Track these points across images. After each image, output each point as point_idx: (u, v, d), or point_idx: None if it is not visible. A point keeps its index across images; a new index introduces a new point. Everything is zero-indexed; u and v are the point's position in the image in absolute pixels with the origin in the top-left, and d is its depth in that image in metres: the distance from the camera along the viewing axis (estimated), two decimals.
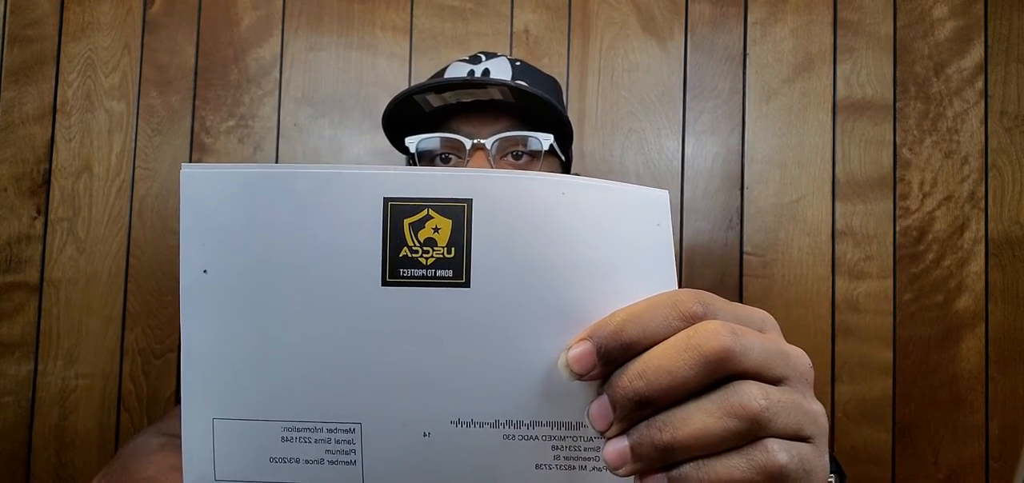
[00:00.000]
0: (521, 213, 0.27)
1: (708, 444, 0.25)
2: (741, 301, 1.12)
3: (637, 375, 0.25)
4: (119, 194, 1.13)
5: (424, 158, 0.69)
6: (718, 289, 1.13)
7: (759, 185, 1.14)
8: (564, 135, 0.69)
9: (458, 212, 0.26)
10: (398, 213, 0.26)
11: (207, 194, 0.27)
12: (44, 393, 1.11)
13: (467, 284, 0.27)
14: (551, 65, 1.15)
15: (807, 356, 0.28)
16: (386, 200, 0.26)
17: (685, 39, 1.16)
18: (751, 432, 0.25)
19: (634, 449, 0.25)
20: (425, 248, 0.27)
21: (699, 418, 0.24)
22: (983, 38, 1.14)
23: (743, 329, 0.26)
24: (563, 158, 0.73)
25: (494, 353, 0.27)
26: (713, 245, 1.14)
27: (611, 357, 0.26)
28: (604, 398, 0.26)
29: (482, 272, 0.27)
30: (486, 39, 1.15)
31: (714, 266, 1.14)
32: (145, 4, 1.15)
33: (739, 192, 1.14)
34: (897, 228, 1.13)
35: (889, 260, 1.13)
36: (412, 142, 0.66)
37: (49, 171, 1.13)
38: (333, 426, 0.28)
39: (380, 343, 0.27)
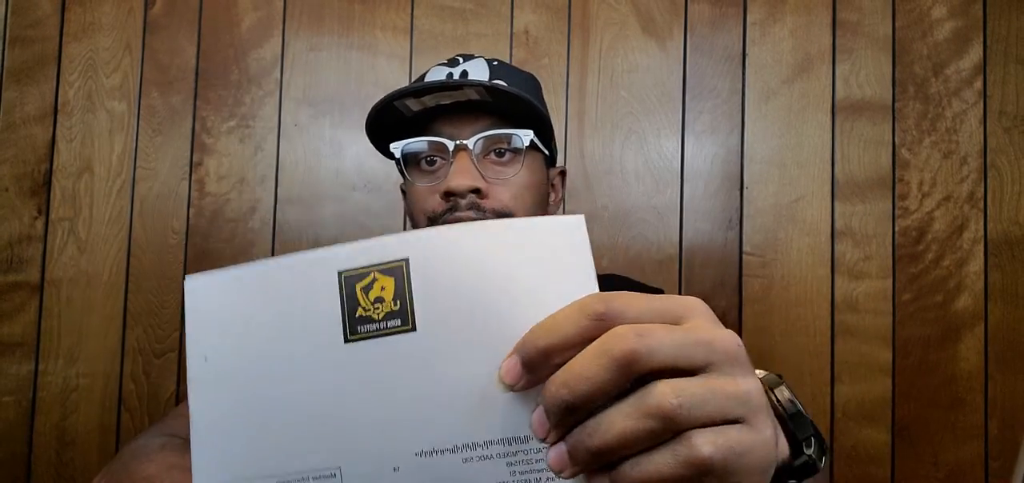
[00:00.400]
0: (452, 260, 0.31)
1: (634, 444, 0.26)
2: (740, 301, 1.13)
3: (562, 384, 0.27)
4: (120, 194, 1.14)
5: (409, 161, 0.69)
6: (718, 289, 1.13)
7: (758, 185, 1.15)
8: (544, 130, 0.70)
9: (398, 270, 0.32)
10: (350, 281, 0.32)
11: (204, 297, 0.33)
12: (45, 392, 1.11)
13: (414, 329, 0.31)
14: (551, 65, 1.16)
15: (735, 336, 0.28)
16: (339, 273, 0.32)
17: (685, 40, 1.17)
18: (670, 428, 0.26)
19: (571, 453, 0.27)
20: (375, 305, 0.32)
21: (620, 421, 0.26)
22: (982, 39, 1.15)
23: (650, 328, 0.26)
24: (546, 152, 0.74)
25: (444, 384, 0.31)
26: (712, 245, 1.14)
27: (534, 365, 0.28)
28: (541, 408, 0.28)
29: (425, 316, 0.31)
30: (486, 40, 1.16)
31: (714, 266, 1.14)
32: (146, 5, 1.16)
33: (739, 192, 1.15)
34: (896, 228, 1.14)
35: (888, 260, 1.13)
36: (396, 147, 0.68)
37: (50, 171, 1.13)
38: (317, 474, 0.33)
39: (349, 393, 0.32)
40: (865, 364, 1.12)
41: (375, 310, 0.32)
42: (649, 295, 0.29)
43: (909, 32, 1.15)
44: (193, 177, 1.14)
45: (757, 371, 0.32)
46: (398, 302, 0.32)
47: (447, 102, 0.65)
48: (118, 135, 1.14)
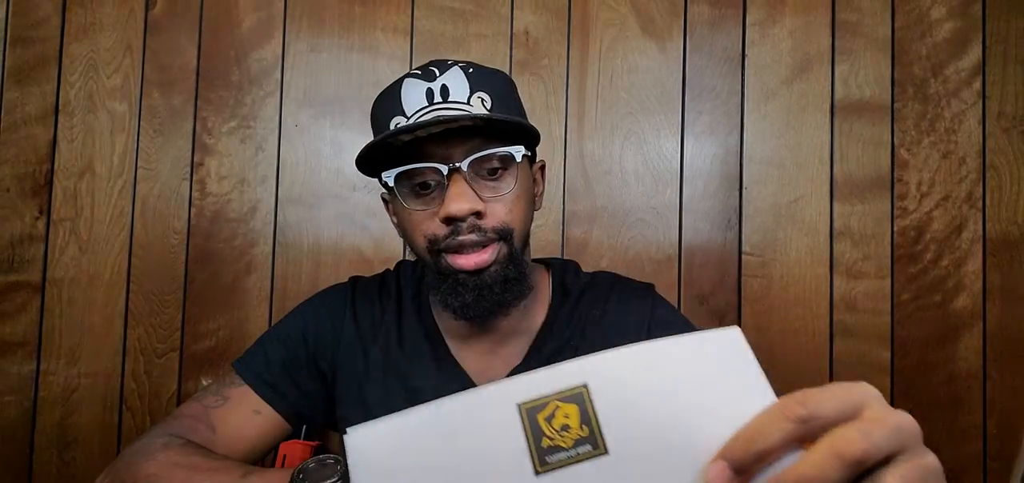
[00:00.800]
0: (631, 383, 0.33)
1: None
2: (739, 301, 1.13)
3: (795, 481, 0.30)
4: (121, 194, 1.14)
5: (401, 185, 0.68)
6: (717, 289, 1.13)
7: (758, 185, 1.15)
8: (529, 137, 0.70)
9: (579, 397, 0.32)
10: (532, 412, 0.32)
11: (369, 450, 0.32)
12: (46, 392, 1.11)
13: (606, 451, 0.32)
14: (551, 66, 1.16)
15: (911, 418, 0.32)
16: (519, 405, 0.32)
17: (684, 40, 1.17)
18: None
19: None
20: (562, 433, 0.32)
21: None
22: (981, 39, 1.15)
23: (871, 425, 0.30)
24: (531, 154, 0.74)
25: None
26: (712, 245, 1.14)
27: (744, 467, 0.31)
28: None
29: (614, 438, 0.32)
30: (486, 40, 1.16)
31: (713, 266, 1.14)
32: (147, 6, 1.16)
33: (738, 192, 1.15)
34: (895, 228, 1.14)
35: (887, 260, 1.13)
36: (390, 176, 0.67)
37: (51, 171, 1.13)
38: None
39: None
40: (864, 364, 1.12)
41: (562, 438, 0.32)
42: (831, 388, 0.32)
43: (908, 33, 1.16)
44: (194, 177, 1.14)
45: None
46: (586, 428, 0.32)
47: (438, 130, 0.65)
48: (119, 135, 1.14)
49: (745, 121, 1.16)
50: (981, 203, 1.13)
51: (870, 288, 1.13)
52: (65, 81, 1.14)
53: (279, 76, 1.16)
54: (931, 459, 0.31)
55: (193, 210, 1.14)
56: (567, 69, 1.16)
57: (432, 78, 0.69)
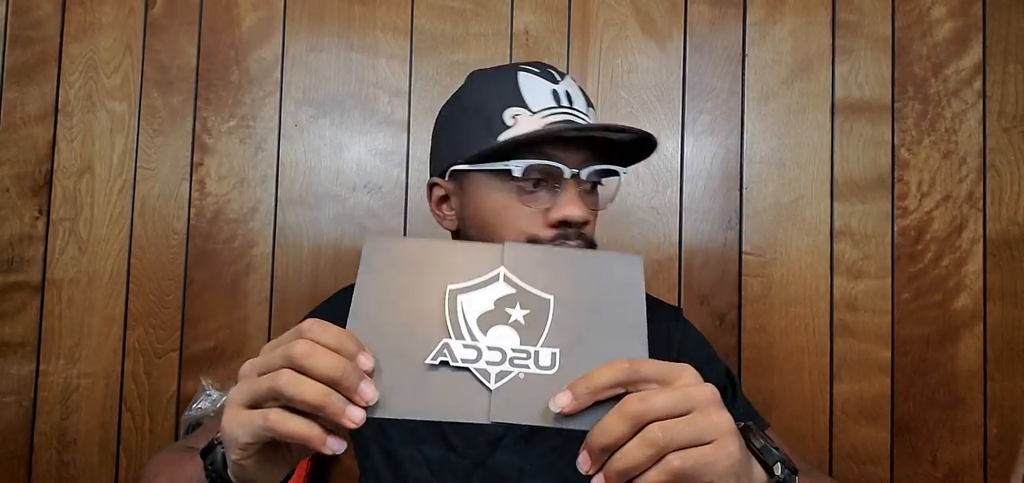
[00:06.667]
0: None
1: (644, 464, 0.40)
2: (740, 300, 1.13)
3: (599, 434, 0.41)
4: (121, 194, 1.14)
5: (511, 181, 0.67)
6: (718, 289, 1.13)
7: (758, 185, 1.15)
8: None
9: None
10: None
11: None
12: (46, 393, 1.11)
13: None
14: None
15: (711, 386, 0.43)
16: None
17: (684, 40, 1.17)
18: (661, 453, 0.40)
19: (607, 476, 0.41)
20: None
21: (632, 452, 0.40)
22: (981, 39, 1.15)
23: (650, 394, 0.41)
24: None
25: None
26: (712, 245, 1.14)
27: (582, 401, 0.43)
28: (585, 453, 0.42)
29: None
30: (486, 40, 1.16)
31: (713, 266, 1.14)
32: (147, 5, 1.16)
33: (738, 192, 1.15)
34: (895, 228, 1.14)
35: (887, 260, 1.13)
36: (518, 166, 0.65)
37: (51, 171, 1.13)
38: None
39: None
40: (864, 363, 1.12)
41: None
42: (657, 361, 0.43)
43: (909, 32, 1.16)
44: (194, 177, 1.14)
45: (739, 424, 0.46)
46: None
47: (571, 134, 0.66)
48: (119, 135, 1.14)
49: (745, 121, 1.16)
50: (981, 203, 1.13)
51: (870, 288, 1.13)
52: (65, 81, 1.14)
53: (279, 76, 1.16)
54: (715, 418, 0.41)
55: (193, 210, 1.14)
56: (567, 69, 1.16)
57: (554, 80, 0.70)
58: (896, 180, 1.14)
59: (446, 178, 0.72)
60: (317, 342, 0.41)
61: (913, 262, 1.13)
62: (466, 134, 0.70)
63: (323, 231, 1.15)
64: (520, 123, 0.67)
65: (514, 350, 0.45)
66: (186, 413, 1.09)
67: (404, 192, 1.15)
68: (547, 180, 0.67)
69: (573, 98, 0.70)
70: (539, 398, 0.43)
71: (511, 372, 0.44)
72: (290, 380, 0.40)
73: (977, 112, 1.14)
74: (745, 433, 0.48)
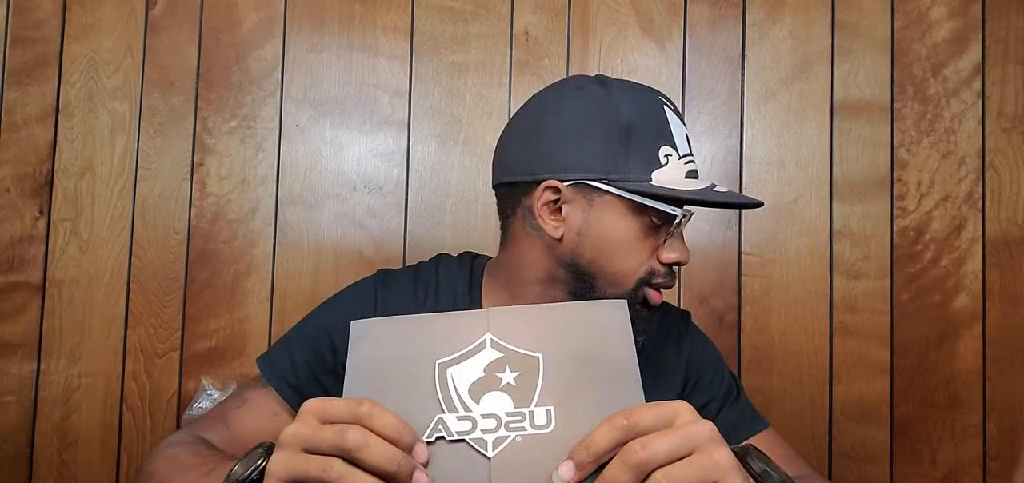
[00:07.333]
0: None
1: None
2: (739, 301, 1.13)
3: None
4: (121, 194, 1.14)
5: (648, 216, 0.69)
6: (717, 289, 1.13)
7: (758, 185, 1.15)
8: None
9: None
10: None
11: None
12: (47, 392, 1.11)
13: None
14: (551, 66, 1.16)
15: (710, 424, 0.42)
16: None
17: (684, 40, 1.17)
18: None
19: None
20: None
21: None
22: (981, 39, 1.15)
23: (652, 439, 0.40)
24: None
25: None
26: (712, 245, 1.14)
27: (585, 466, 0.42)
28: None
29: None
30: (486, 40, 1.16)
31: (713, 266, 1.14)
32: (147, 5, 1.16)
33: (738, 192, 1.15)
34: (895, 228, 1.14)
35: (887, 260, 1.14)
36: (679, 211, 0.68)
37: (52, 171, 1.13)
38: None
39: None
40: (864, 364, 1.12)
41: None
42: (652, 405, 0.43)
43: (908, 33, 1.16)
44: (194, 177, 1.14)
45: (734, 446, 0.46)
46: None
47: (724, 202, 0.70)
48: (119, 135, 1.14)
49: (745, 121, 1.16)
50: (981, 203, 1.13)
51: (870, 288, 1.13)
52: (65, 81, 1.14)
53: (279, 76, 1.16)
54: (717, 456, 0.41)
55: (193, 210, 1.14)
56: (567, 69, 1.16)
57: (682, 120, 0.73)
58: (895, 180, 1.14)
59: (568, 186, 0.68)
60: (372, 430, 0.41)
61: (912, 262, 1.13)
62: (616, 153, 0.67)
63: (323, 231, 1.15)
64: (671, 165, 0.68)
65: (508, 414, 0.45)
66: (187, 413, 1.09)
67: (404, 192, 1.15)
68: (667, 222, 0.69)
69: (690, 141, 0.73)
70: (538, 458, 0.43)
71: (508, 436, 0.44)
72: (343, 475, 0.40)
73: (976, 112, 1.14)
74: (743, 457, 0.48)
